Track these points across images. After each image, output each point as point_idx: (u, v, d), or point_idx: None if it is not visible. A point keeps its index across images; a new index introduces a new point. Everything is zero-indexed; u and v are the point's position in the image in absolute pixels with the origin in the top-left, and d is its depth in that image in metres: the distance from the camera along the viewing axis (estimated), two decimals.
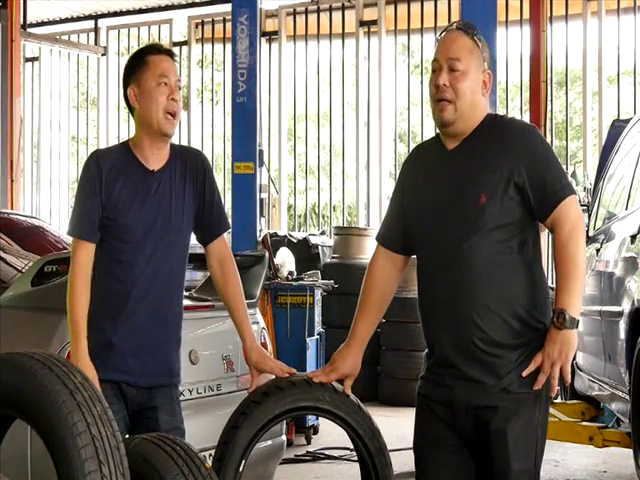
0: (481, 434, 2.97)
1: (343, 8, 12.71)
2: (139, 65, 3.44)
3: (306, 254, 9.92)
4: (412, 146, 11.84)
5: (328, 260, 10.21)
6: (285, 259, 8.26)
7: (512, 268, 2.95)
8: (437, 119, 3.02)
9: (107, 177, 3.38)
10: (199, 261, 3.78)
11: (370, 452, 3.30)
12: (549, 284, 10.57)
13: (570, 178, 11.14)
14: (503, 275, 2.94)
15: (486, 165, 2.94)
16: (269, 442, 4.77)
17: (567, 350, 2.89)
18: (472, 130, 3.01)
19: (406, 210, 3.12)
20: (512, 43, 11.76)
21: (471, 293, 2.94)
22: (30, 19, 13.69)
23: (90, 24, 14.55)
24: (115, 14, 14.29)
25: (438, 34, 3.10)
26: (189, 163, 3.49)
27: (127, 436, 3.29)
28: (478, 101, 3.00)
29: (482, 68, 3.00)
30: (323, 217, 14.94)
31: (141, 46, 3.75)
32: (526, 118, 11.08)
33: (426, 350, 3.13)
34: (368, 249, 9.67)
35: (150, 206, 3.41)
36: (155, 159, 3.45)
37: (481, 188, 2.92)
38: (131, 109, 3.48)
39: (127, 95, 3.47)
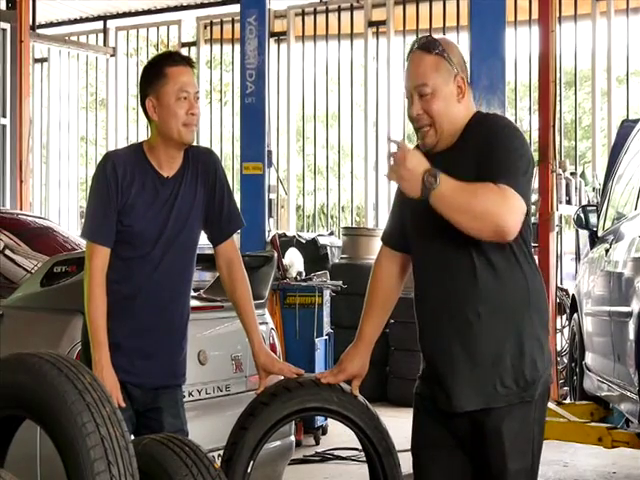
0: (477, 434, 2.95)
1: (352, 8, 12.70)
2: (157, 77, 3.38)
3: (315, 254, 9.92)
4: None
5: (337, 260, 10.20)
6: (294, 259, 8.26)
7: (500, 269, 2.90)
8: (421, 145, 3.00)
9: (122, 182, 3.37)
10: (208, 262, 3.78)
11: (378, 453, 3.30)
12: (559, 285, 10.41)
13: (579, 178, 11.06)
14: (492, 276, 2.89)
15: (468, 164, 2.91)
16: (278, 443, 4.77)
17: (405, 175, 2.75)
18: (459, 133, 2.99)
19: (403, 209, 3.11)
20: (521, 43, 11.75)
21: (457, 296, 2.92)
22: (39, 20, 13.71)
23: (99, 25, 14.56)
24: (124, 15, 14.30)
25: (406, 55, 3.04)
26: (200, 164, 3.49)
27: (132, 437, 3.29)
28: (456, 112, 2.97)
29: (452, 76, 2.95)
30: (332, 217, 14.93)
31: (156, 52, 3.68)
32: (535, 118, 11.06)
33: None
34: (376, 249, 9.63)
35: (162, 213, 3.41)
36: (169, 165, 3.44)
37: None
38: (149, 118, 3.44)
39: (145, 105, 3.41)
